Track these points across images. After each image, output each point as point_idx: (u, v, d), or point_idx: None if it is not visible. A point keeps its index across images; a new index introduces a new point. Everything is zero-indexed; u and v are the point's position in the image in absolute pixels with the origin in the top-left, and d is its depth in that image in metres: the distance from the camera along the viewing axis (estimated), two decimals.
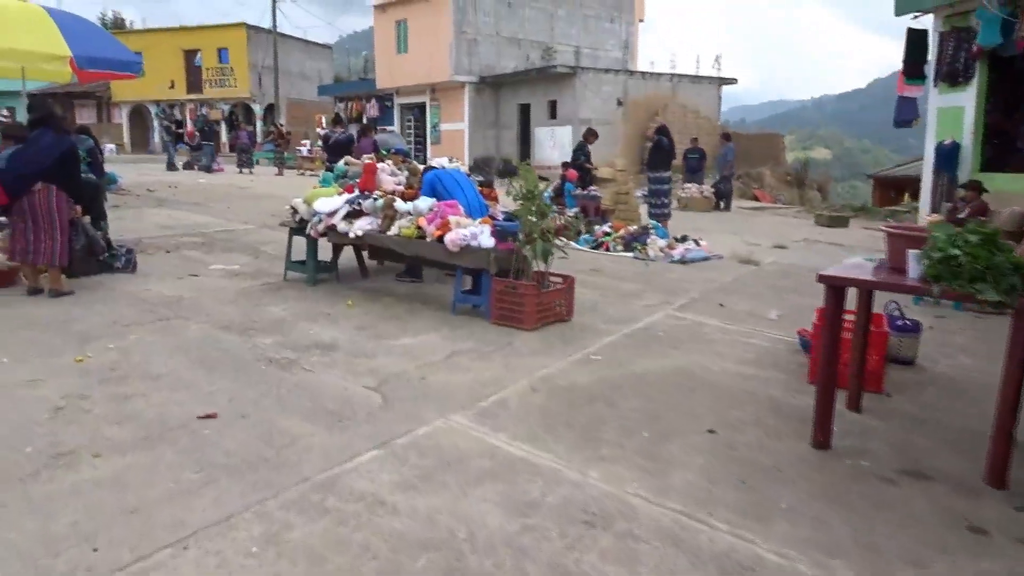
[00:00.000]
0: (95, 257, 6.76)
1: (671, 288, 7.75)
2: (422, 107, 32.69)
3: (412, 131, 33.21)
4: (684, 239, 10.31)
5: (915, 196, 25.80)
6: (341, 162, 8.08)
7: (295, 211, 7.23)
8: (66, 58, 7.36)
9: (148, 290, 6.71)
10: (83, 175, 7.23)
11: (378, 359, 4.92)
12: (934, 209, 12.21)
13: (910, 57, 12.86)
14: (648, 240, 10.09)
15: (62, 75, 8.48)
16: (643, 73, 28.80)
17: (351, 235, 6.66)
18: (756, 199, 23.11)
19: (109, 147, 35.72)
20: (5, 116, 19.97)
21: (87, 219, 6.73)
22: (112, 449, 3.37)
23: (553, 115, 28.00)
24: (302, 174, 25.98)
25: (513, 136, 30.10)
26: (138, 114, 43.29)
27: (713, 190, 18.05)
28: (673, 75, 29.29)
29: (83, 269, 6.58)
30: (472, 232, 6.06)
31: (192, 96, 40.39)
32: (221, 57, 39.85)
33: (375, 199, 6.76)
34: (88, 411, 3.81)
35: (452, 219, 6.24)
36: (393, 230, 6.52)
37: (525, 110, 29.35)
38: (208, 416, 3.78)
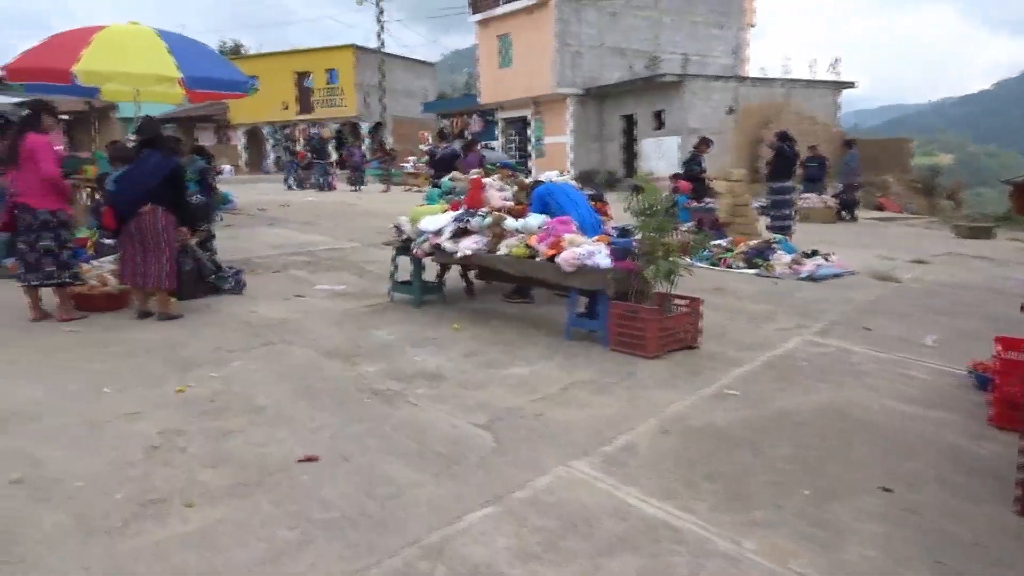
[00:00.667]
0: (203, 279, 6.68)
1: (805, 309, 7.03)
2: (524, 121, 32.53)
3: (515, 145, 33.10)
4: (813, 254, 9.48)
5: None
6: (447, 178, 7.79)
7: (400, 230, 6.96)
8: (176, 79, 7.36)
9: (254, 312, 6.57)
10: (192, 196, 7.21)
11: (488, 391, 4.51)
12: None
13: None
14: (773, 256, 9.34)
15: (174, 96, 8.58)
16: (754, 79, 27.66)
17: (457, 255, 6.31)
18: (881, 208, 21.62)
19: (226, 168, 37.32)
20: (131, 141, 20.97)
21: (195, 241, 6.66)
22: (205, 497, 3.07)
23: (659, 125, 27.22)
24: (407, 190, 26.24)
25: (617, 148, 29.48)
26: (253, 136, 45.15)
27: (836, 200, 16.91)
28: (787, 80, 28.00)
29: (191, 292, 6.50)
30: (587, 251, 5.58)
31: (303, 117, 41.76)
32: (330, 78, 41.05)
33: (482, 216, 6.39)
34: (184, 449, 3.55)
35: (565, 237, 5.79)
36: (502, 249, 6.12)
37: (630, 121, 28.69)
38: (308, 459, 3.45)
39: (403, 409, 4.18)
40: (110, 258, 7.01)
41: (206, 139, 46.98)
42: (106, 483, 3.18)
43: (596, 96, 29.55)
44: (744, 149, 26.63)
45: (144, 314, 6.22)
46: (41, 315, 6.11)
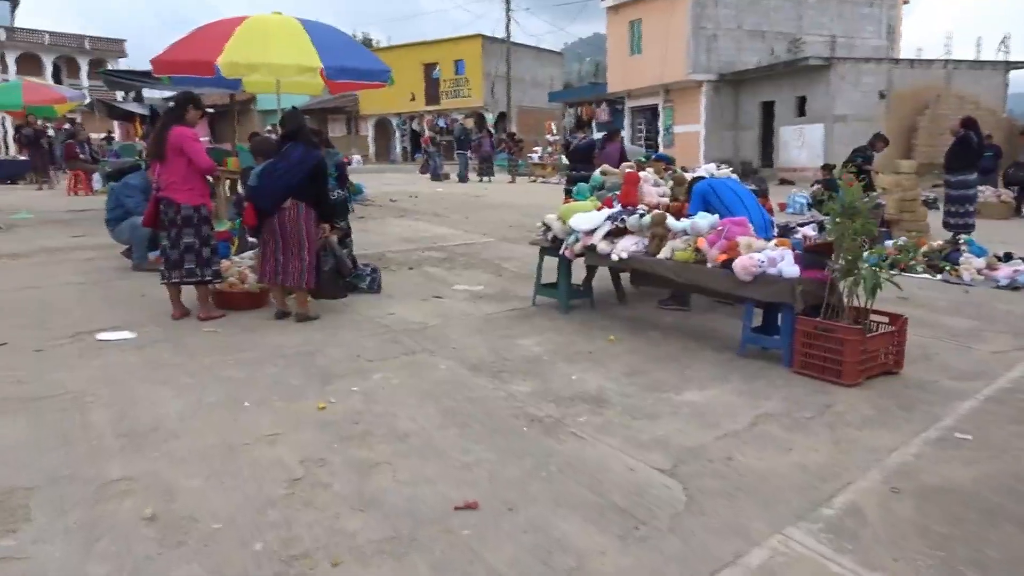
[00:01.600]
0: (342, 278, 6.36)
1: (1017, 327, 5.99)
2: (654, 110, 31.42)
3: (643, 135, 32.05)
4: (1009, 257, 8.26)
5: None
6: (597, 172, 7.17)
7: (547, 228, 6.41)
8: (317, 69, 7.10)
9: (392, 315, 6.19)
10: (332, 192, 6.93)
11: (662, 422, 3.88)
12: None
13: None
14: (961, 259, 8.20)
15: (314, 87, 8.39)
16: (910, 61, 25.45)
17: (614, 257, 5.68)
18: None
19: (356, 158, 38.17)
20: (269, 132, 21.50)
21: (334, 238, 6.35)
22: (352, 554, 2.61)
23: (801, 112, 25.52)
24: (534, 181, 25.84)
25: (753, 137, 27.93)
26: (382, 126, 46.08)
27: (1015, 193, 15.13)
28: (947, 61, 25.63)
29: (330, 292, 6.20)
30: (769, 256, 4.84)
31: (430, 107, 42.18)
32: (457, 69, 41.21)
33: (641, 215, 5.74)
34: (328, 486, 3.12)
35: (742, 240, 5.06)
36: (665, 252, 5.45)
37: (768, 108, 27.08)
38: (467, 506, 2.93)
39: (567, 442, 3.61)
40: (249, 254, 6.82)
41: (338, 130, 48.42)
42: (245, 527, 2.78)
43: (732, 82, 28.07)
44: (898, 137, 24.51)
45: (283, 314, 5.96)
46: (183, 313, 5.95)
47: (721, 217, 5.60)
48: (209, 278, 5.91)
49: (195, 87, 8.46)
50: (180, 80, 8.18)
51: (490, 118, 40.89)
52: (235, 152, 10.81)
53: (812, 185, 15.77)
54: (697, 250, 5.28)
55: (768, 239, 5.34)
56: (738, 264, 4.88)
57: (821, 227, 9.06)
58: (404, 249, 9.74)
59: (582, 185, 7.12)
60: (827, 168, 16.04)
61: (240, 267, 6.56)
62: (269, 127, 24.59)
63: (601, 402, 4.18)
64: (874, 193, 10.84)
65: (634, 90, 31.30)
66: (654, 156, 7.29)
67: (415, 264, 8.65)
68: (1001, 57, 26.42)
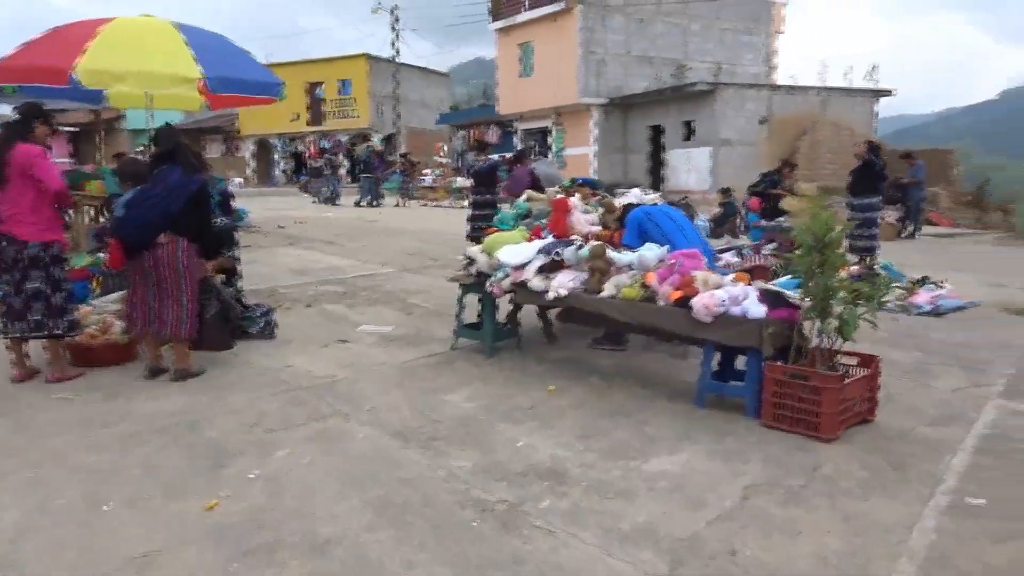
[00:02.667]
0: (229, 324, 5.40)
1: (959, 357, 5.74)
2: (545, 132, 31.35)
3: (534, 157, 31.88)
4: (924, 281, 8.20)
5: None
6: (522, 197, 6.53)
7: (470, 261, 5.70)
8: (196, 80, 6.13)
9: (292, 366, 5.30)
10: (216, 219, 5.97)
11: (640, 503, 3.22)
12: None
13: None
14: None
15: (192, 101, 7.36)
16: (790, 87, 26.40)
17: (550, 295, 5.03)
18: (932, 223, 20.30)
19: (235, 181, 36.26)
20: (139, 152, 19.77)
21: (220, 277, 5.42)
22: None
23: (689, 136, 25.99)
24: (426, 205, 25.05)
25: (643, 160, 28.24)
26: (262, 147, 44.07)
27: (899, 216, 15.64)
28: (822, 89, 26.76)
29: (215, 341, 5.23)
30: (732, 294, 4.31)
31: (314, 128, 40.68)
32: (343, 89, 39.97)
33: (579, 246, 5.12)
34: None
35: (697, 275, 4.52)
36: (608, 289, 4.85)
37: (656, 132, 27.47)
38: None
39: (534, 541, 2.89)
40: (115, 296, 5.76)
41: (214, 151, 46.01)
42: None
43: (621, 106, 28.34)
44: (775, 162, 25.31)
45: (157, 371, 4.95)
46: (27, 374, 4.85)
47: (660, 246, 5.07)
48: (62, 330, 4.84)
49: (48, 99, 7.23)
50: (29, 91, 6.94)
51: (378, 140, 39.83)
52: (99, 175, 9.49)
53: (716, 208, 15.80)
54: (646, 286, 4.71)
55: (730, 275, 4.82)
56: (698, 303, 4.32)
57: (741, 253, 8.79)
58: (298, 283, 8.77)
59: (505, 213, 6.45)
60: (725, 192, 16.16)
61: (103, 313, 5.49)
62: (139, 148, 22.71)
63: (561, 477, 3.48)
64: (781, 218, 10.79)
65: (525, 112, 31.14)
66: (579, 181, 6.72)
67: (312, 300, 7.73)
68: (870, 85, 27.65)
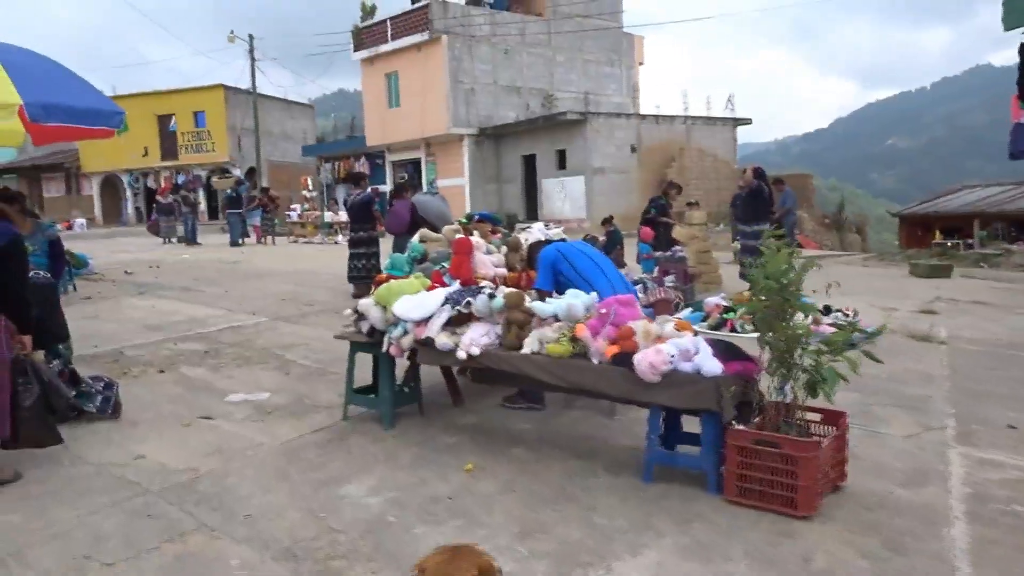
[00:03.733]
0: (54, 413, 4.23)
1: (891, 394, 5.42)
2: (416, 164, 30.57)
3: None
4: (828, 310, 7.99)
5: (950, 234, 24.00)
6: (415, 238, 5.71)
7: (360, 316, 4.82)
8: (14, 106, 4.96)
9: (141, 458, 4.23)
10: (34, 275, 4.82)
11: None
12: None
13: None
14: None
15: (12, 135, 6.06)
16: (656, 117, 26.95)
17: (461, 354, 4.25)
18: (800, 246, 21.01)
19: (79, 221, 33.31)
20: None
21: (40, 354, 4.29)
22: None
23: (562, 165, 25.98)
24: (294, 241, 23.62)
25: (517, 190, 28.02)
26: (110, 185, 40.83)
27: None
28: (687, 117, 27.51)
29: (35, 436, 4.06)
30: (681, 348, 3.69)
31: (167, 163, 38.05)
32: (197, 121, 37.64)
33: (491, 295, 4.37)
34: None
35: (637, 327, 3.87)
36: (530, 344, 4.12)
37: (530, 162, 27.32)
38: None
39: None
40: None
41: (54, 190, 42.34)
42: None
43: (492, 136, 28.05)
44: (648, 188, 25.71)
45: None
46: None
47: (578, 289, 4.43)
48: None
49: None
50: None
51: (236, 174, 37.68)
52: None
53: (600, 238, 15.47)
54: (575, 340, 4.02)
55: (667, 323, 4.20)
56: (642, 361, 3.66)
57: (645, 287, 8.34)
58: (150, 341, 7.53)
59: (397, 256, 5.60)
60: (607, 221, 15.92)
61: None
62: None
63: None
64: (677, 247, 10.49)
65: (394, 144, 30.29)
66: (476, 216, 5.98)
67: (168, 364, 6.57)
68: (729, 114, 28.71)
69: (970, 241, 21.55)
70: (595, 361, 3.90)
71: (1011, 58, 8.73)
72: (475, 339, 4.27)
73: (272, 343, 7.43)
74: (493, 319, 4.36)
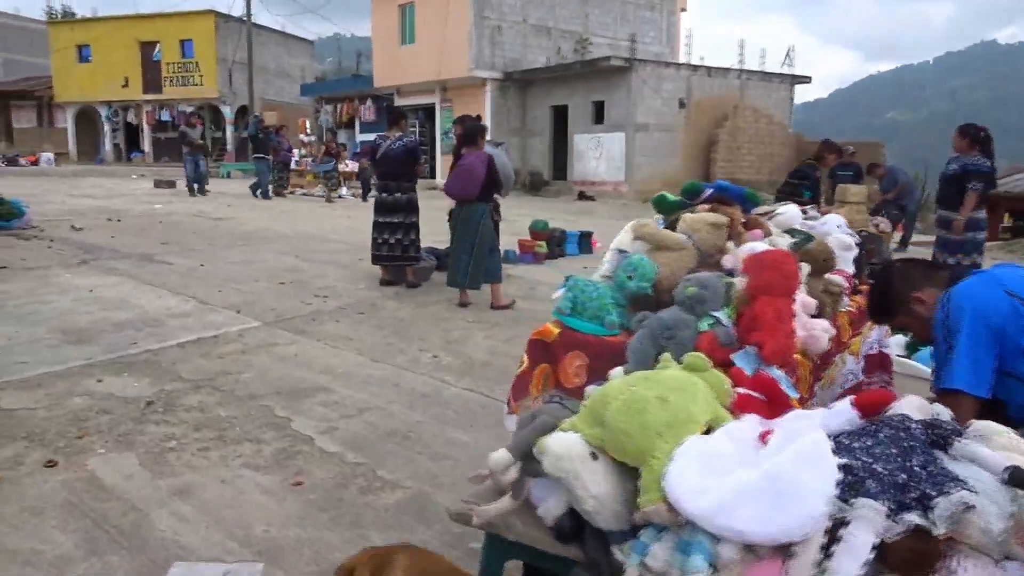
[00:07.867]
0: None
1: None
2: (430, 110, 27.13)
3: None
4: None
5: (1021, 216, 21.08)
6: (627, 236, 2.44)
7: (528, 461, 1.75)
8: None
9: None
10: None
11: None
12: None
13: None
14: None
15: None
16: (709, 69, 23.56)
17: None
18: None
19: (47, 156, 29.76)
20: None
21: None
22: None
23: (599, 119, 22.66)
24: (292, 193, 20.33)
25: (544, 145, 24.69)
26: (86, 117, 37.06)
27: (892, 223, 12.90)
28: (742, 71, 24.21)
29: None
30: None
31: (149, 96, 34.38)
32: (184, 51, 33.86)
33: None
34: None
35: None
36: None
37: (561, 113, 23.95)
38: None
39: None
40: None
41: (24, 120, 38.54)
42: None
43: (520, 82, 24.61)
44: (694, 151, 22.54)
45: None
46: None
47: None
48: None
49: None
50: None
51: (228, 112, 34.10)
52: None
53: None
54: None
55: None
56: None
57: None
58: (61, 369, 4.45)
59: (581, 279, 2.45)
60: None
61: None
62: None
63: None
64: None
65: (405, 86, 26.81)
66: (708, 190, 2.87)
67: (72, 436, 3.50)
68: (787, 69, 25.42)
69: None
70: None
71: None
72: None
73: (268, 384, 4.35)
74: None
